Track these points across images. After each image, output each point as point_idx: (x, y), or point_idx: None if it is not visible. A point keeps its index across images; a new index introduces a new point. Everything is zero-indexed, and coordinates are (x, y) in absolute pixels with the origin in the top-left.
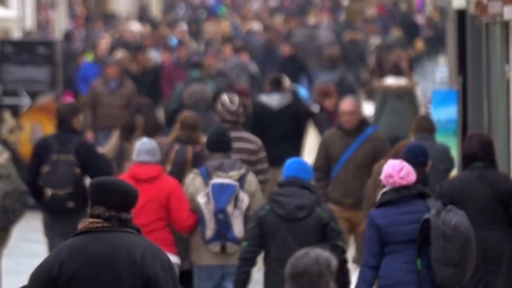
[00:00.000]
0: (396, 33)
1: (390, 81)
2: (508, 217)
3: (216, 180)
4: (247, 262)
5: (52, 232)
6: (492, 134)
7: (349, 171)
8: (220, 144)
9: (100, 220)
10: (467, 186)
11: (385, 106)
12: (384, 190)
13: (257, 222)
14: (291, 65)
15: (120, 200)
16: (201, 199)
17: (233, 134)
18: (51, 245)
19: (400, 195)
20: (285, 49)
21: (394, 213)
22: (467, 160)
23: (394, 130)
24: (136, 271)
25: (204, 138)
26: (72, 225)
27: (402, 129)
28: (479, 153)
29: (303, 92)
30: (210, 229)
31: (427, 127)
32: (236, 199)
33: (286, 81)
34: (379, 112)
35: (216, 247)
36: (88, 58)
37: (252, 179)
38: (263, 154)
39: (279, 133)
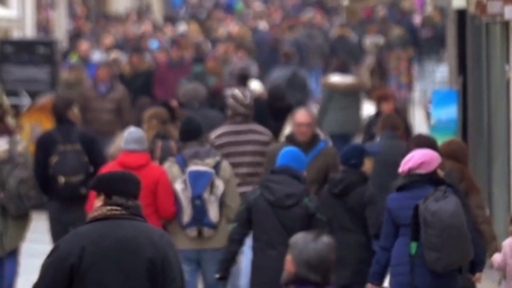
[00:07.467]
0: (397, 31)
1: (336, 78)
2: None
3: (192, 167)
4: (236, 243)
5: (57, 220)
6: (492, 134)
7: None
8: (191, 132)
9: (119, 208)
10: None
11: (331, 103)
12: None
13: (246, 206)
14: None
15: (137, 189)
16: (178, 186)
17: (245, 126)
18: (54, 234)
19: (410, 180)
20: None
21: (405, 197)
22: None
23: (341, 127)
24: (156, 253)
25: (177, 132)
26: (80, 212)
27: (349, 126)
28: None
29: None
30: (187, 215)
31: (391, 125)
32: (212, 185)
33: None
34: (324, 109)
35: (192, 232)
36: (73, 58)
37: (226, 166)
38: None
39: None
